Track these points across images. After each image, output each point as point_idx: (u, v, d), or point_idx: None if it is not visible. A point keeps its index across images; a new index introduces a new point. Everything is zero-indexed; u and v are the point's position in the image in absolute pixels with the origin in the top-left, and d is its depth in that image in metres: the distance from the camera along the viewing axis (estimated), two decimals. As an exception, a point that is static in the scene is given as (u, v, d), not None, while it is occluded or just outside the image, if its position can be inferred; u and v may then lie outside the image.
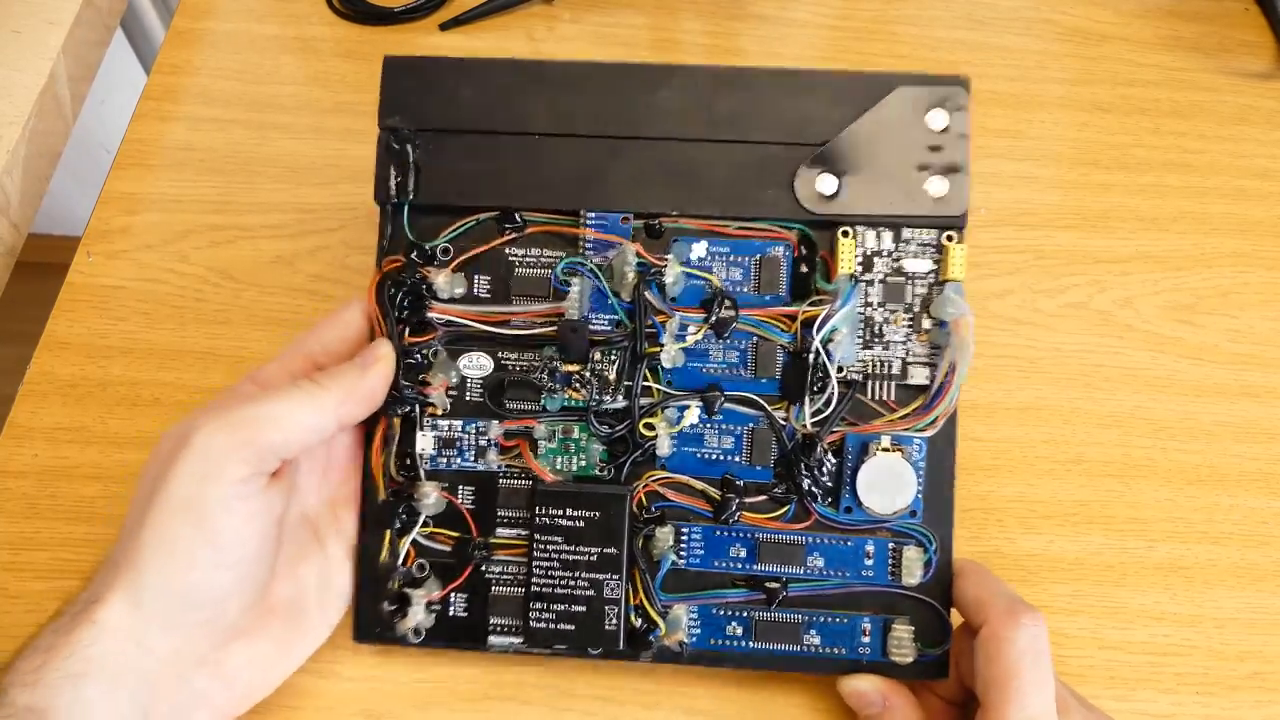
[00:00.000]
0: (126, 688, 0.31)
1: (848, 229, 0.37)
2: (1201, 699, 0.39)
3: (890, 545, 0.37)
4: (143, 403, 0.44)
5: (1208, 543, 0.42)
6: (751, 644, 0.37)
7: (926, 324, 0.37)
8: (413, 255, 0.38)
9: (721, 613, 0.37)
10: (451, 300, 0.38)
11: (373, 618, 0.38)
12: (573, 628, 0.36)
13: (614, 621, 0.36)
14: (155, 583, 0.32)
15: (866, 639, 0.37)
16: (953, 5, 0.56)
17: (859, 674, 0.37)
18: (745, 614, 0.37)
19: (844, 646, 0.37)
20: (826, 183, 0.37)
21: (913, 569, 0.37)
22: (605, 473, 0.37)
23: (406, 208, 0.38)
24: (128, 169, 0.50)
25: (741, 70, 0.38)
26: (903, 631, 0.37)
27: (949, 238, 0.37)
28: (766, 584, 0.37)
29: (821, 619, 0.37)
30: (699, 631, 0.37)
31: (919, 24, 0.55)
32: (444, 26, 0.54)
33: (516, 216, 0.38)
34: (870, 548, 0.37)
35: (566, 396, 0.37)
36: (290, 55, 0.53)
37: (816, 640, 0.37)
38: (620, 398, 0.37)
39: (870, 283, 0.37)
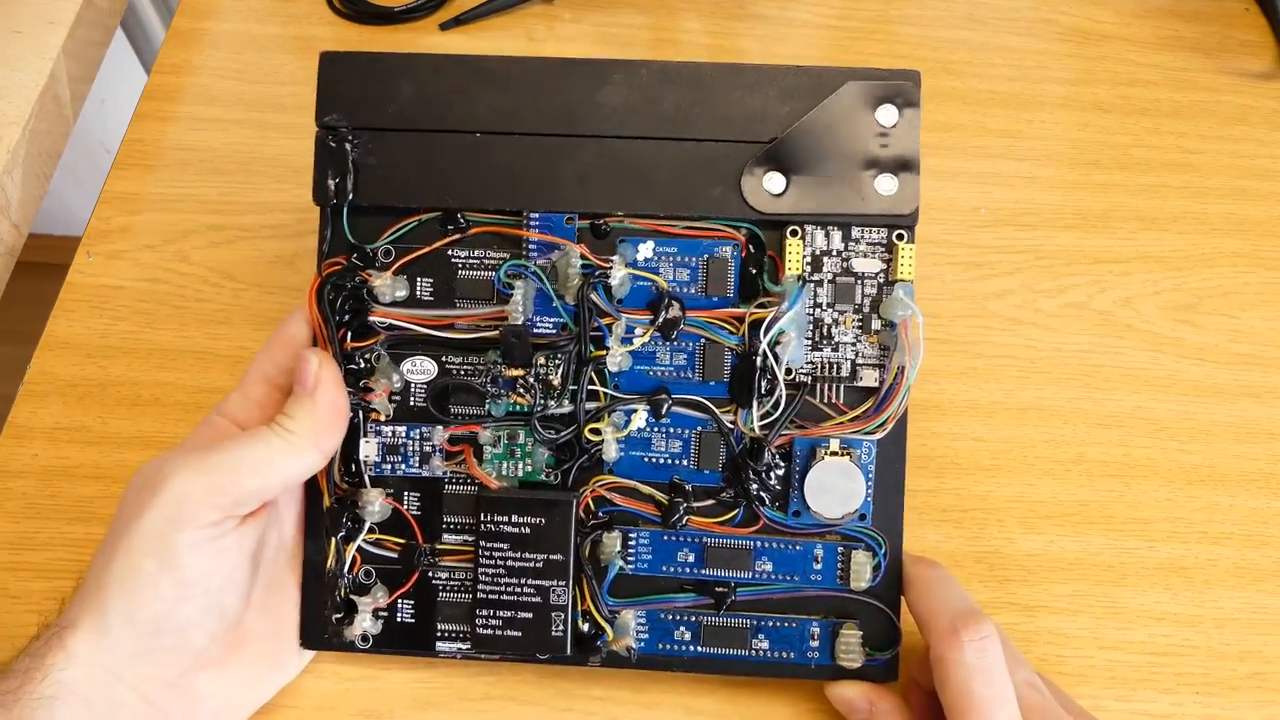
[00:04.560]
0: (97, 713, 0.32)
1: (796, 228, 0.37)
2: (1201, 699, 0.39)
3: (839, 549, 0.37)
4: (143, 403, 0.44)
5: (1208, 543, 0.42)
6: (700, 648, 0.37)
7: (876, 325, 0.37)
8: (353, 258, 0.37)
9: (669, 617, 0.37)
10: (393, 304, 0.37)
11: (319, 624, 0.37)
12: (520, 634, 0.36)
13: (560, 628, 0.36)
14: (120, 613, 0.32)
15: (815, 643, 0.37)
16: (953, 5, 0.56)
17: (845, 680, 0.37)
18: (693, 619, 0.37)
19: (792, 651, 0.37)
20: (774, 181, 0.36)
21: (862, 573, 0.37)
22: (552, 478, 0.37)
23: (346, 209, 0.37)
24: (128, 169, 0.50)
25: (687, 65, 0.37)
26: (850, 636, 0.36)
27: (899, 237, 0.37)
28: (715, 588, 0.37)
29: (770, 623, 0.37)
30: (647, 636, 0.37)
31: (919, 24, 0.55)
32: (444, 26, 0.54)
33: (459, 217, 0.37)
34: (819, 552, 0.37)
35: (511, 401, 0.37)
36: (290, 55, 0.53)
37: (765, 644, 0.37)
38: (566, 402, 0.37)
39: (819, 283, 0.37)
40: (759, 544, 0.37)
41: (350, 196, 0.37)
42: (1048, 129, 0.52)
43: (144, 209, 0.49)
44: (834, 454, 0.36)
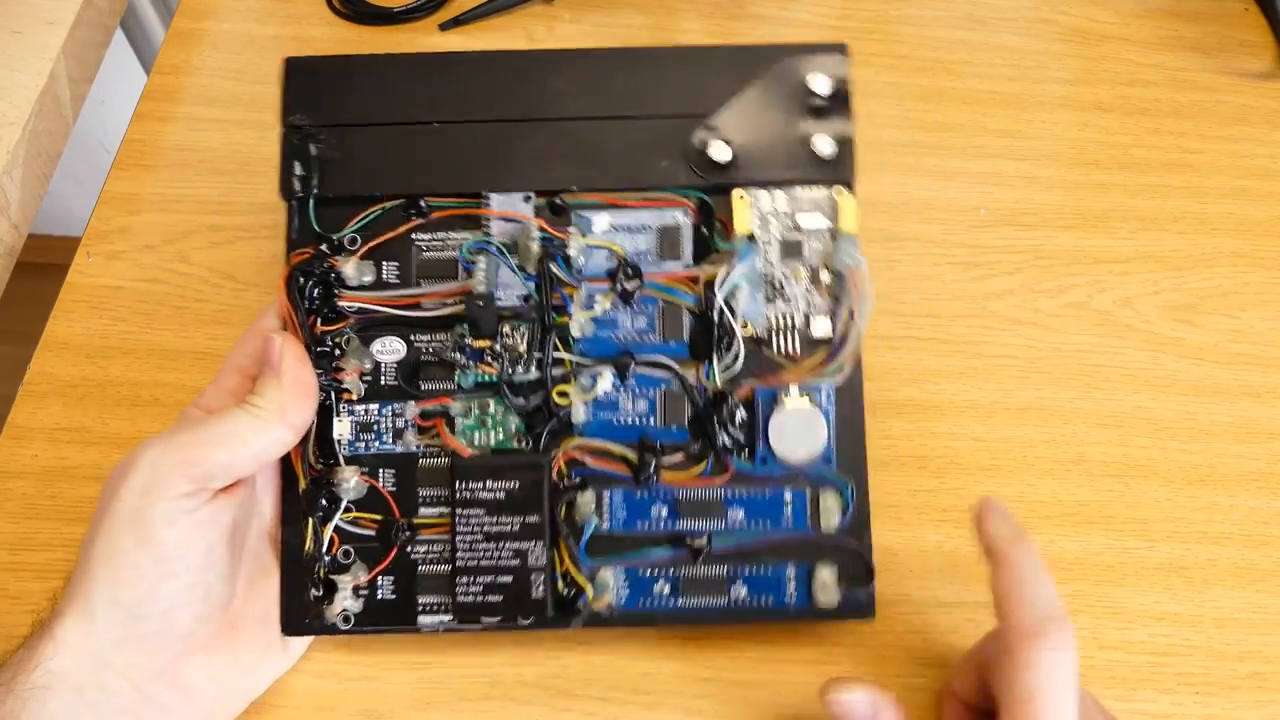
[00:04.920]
0: (89, 701, 0.32)
1: (742, 192, 0.39)
2: (1201, 699, 0.39)
3: (808, 493, 0.38)
4: (143, 403, 0.44)
5: (1208, 543, 0.42)
6: (680, 601, 0.38)
7: (826, 277, 0.39)
8: (321, 247, 0.38)
9: (648, 573, 0.38)
10: (361, 287, 0.39)
11: (299, 608, 0.37)
12: (500, 599, 0.36)
13: (540, 590, 0.36)
14: (104, 596, 0.33)
15: (792, 585, 0.38)
16: (953, 5, 0.56)
17: (846, 684, 0.34)
18: (672, 572, 0.38)
19: (771, 595, 0.38)
20: (720, 150, 0.38)
21: (831, 514, 0.38)
22: (524, 444, 0.38)
23: (312, 201, 0.39)
24: (128, 169, 0.50)
25: (632, 50, 0.40)
26: (826, 575, 0.37)
27: (839, 193, 0.39)
28: (690, 541, 0.37)
29: (747, 570, 0.38)
30: (627, 593, 0.38)
31: (919, 24, 0.55)
32: (444, 26, 0.54)
33: (421, 203, 0.39)
34: (788, 497, 0.38)
35: (480, 372, 0.38)
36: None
37: (744, 592, 0.38)
38: (533, 369, 0.38)
39: (768, 242, 0.39)
40: (729, 493, 0.38)
41: (315, 190, 0.39)
42: (1048, 129, 0.52)
43: (144, 209, 0.49)
44: (793, 399, 0.38)
